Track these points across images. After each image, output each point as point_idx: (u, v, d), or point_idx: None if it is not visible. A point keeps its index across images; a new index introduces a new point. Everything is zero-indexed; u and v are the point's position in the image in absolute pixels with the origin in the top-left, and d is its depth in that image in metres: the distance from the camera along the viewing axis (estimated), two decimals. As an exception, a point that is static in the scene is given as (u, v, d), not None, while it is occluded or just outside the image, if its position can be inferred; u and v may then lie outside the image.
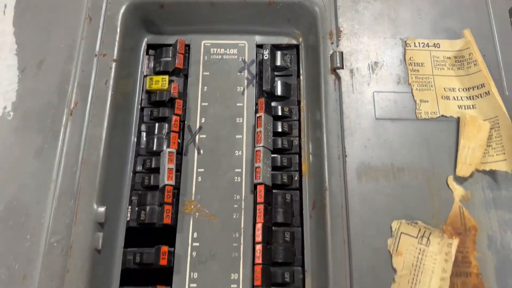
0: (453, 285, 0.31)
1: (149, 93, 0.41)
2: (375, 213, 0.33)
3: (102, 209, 0.33)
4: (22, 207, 0.34)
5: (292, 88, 0.41)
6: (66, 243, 0.32)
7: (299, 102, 0.40)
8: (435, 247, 0.31)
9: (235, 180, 0.38)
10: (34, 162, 0.35)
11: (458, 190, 0.33)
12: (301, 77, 0.41)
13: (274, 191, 0.37)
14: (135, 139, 0.39)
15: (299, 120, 0.40)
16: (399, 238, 0.32)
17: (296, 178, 0.38)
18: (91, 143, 0.35)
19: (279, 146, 0.38)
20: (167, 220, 0.35)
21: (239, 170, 0.38)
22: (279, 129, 0.39)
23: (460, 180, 0.33)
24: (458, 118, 0.35)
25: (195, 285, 0.34)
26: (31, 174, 0.35)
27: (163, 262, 0.34)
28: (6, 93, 0.38)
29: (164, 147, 0.38)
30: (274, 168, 0.38)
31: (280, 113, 0.39)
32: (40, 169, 0.35)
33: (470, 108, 0.35)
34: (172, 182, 0.36)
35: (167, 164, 0.36)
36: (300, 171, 0.38)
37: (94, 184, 0.34)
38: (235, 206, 0.37)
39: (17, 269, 0.33)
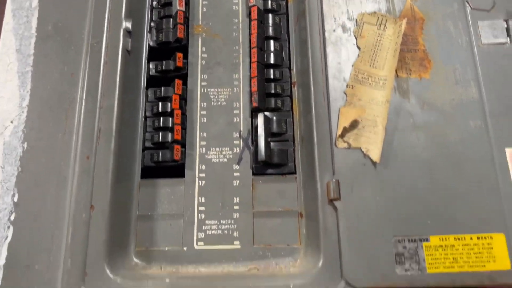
0: (404, 58, 0.40)
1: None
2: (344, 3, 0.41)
3: (129, 22, 0.42)
4: (66, 28, 0.43)
5: None
6: (104, 43, 0.41)
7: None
8: (390, 30, 0.40)
9: (234, 9, 0.46)
10: (72, -5, 0.45)
11: (410, -8, 0.42)
12: None
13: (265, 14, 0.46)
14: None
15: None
16: (362, 26, 0.40)
17: (283, 5, 0.46)
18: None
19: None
20: (180, 35, 0.44)
21: (236, 1, 0.47)
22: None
23: (411, -15, 0.42)
24: None
25: (205, 83, 0.44)
26: (71, 4, 0.44)
27: (179, 64, 0.43)
28: None
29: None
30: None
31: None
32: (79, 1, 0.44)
33: None
34: (183, 8, 0.45)
35: (178, -5, 0.45)
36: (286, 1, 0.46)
37: (121, 2, 0.43)
38: (234, 27, 0.46)
39: (66, 71, 0.42)
